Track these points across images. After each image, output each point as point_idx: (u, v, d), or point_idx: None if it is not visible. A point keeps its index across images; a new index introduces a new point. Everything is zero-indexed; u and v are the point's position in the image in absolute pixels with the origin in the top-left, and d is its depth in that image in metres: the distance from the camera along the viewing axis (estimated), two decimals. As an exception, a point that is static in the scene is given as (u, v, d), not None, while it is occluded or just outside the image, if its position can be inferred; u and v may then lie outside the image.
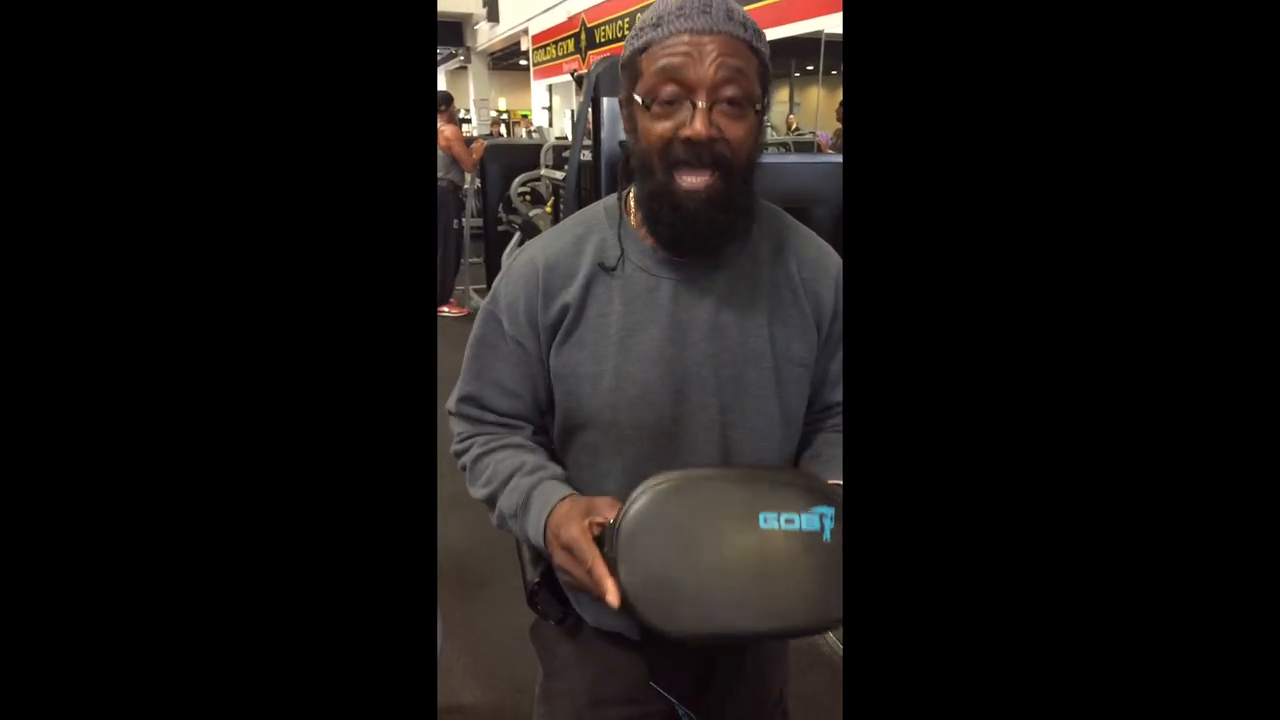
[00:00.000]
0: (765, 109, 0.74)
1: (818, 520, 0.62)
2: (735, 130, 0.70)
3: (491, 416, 0.84)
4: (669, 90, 0.69)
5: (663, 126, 0.70)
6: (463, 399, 0.84)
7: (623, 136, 0.78)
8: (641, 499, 0.64)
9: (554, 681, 0.94)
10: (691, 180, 0.70)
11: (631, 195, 0.79)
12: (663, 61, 0.69)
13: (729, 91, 0.69)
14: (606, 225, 0.80)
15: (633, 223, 0.79)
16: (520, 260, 0.81)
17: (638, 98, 0.72)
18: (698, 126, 0.68)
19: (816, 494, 0.64)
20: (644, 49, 0.71)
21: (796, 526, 0.62)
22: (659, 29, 0.70)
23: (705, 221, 0.72)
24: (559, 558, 0.71)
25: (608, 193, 0.88)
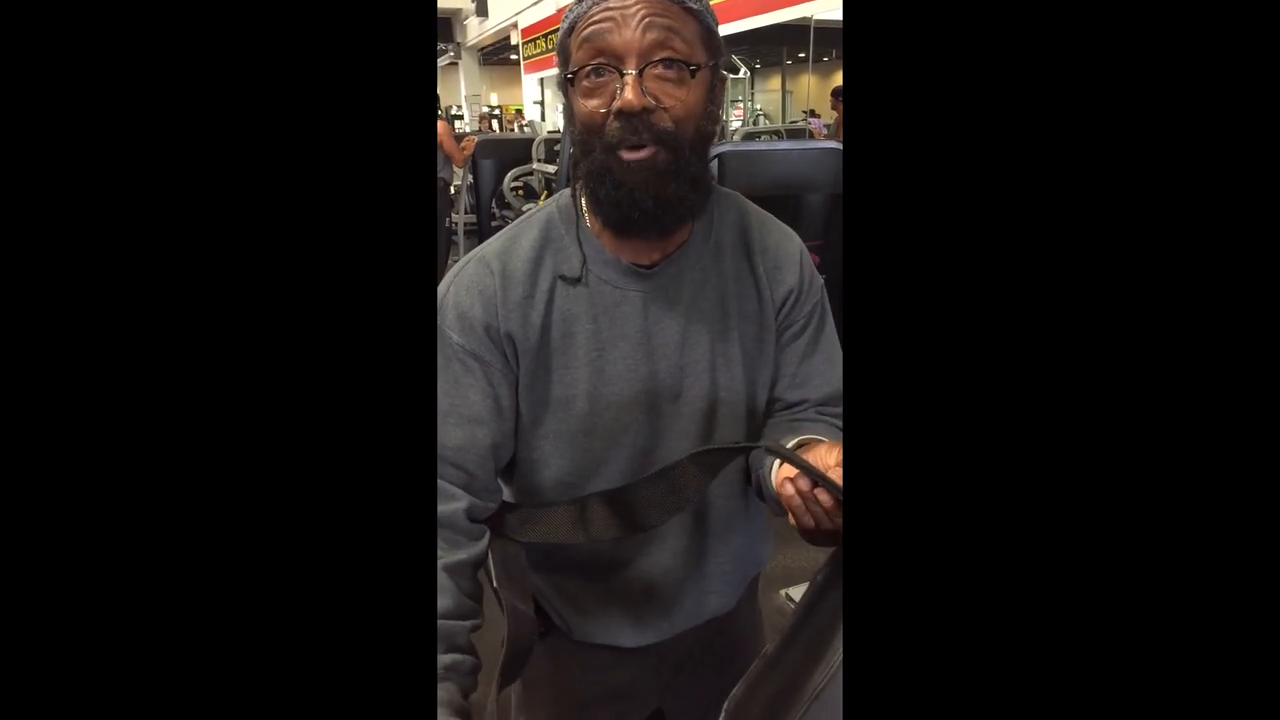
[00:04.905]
0: (718, 73, 0.67)
1: None
2: (675, 97, 0.63)
3: (449, 453, 0.70)
4: (596, 61, 0.62)
5: (594, 103, 0.63)
6: None
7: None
8: None
9: (534, 690, 0.90)
10: (632, 155, 0.63)
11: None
12: (586, 32, 0.62)
13: (662, 53, 0.61)
14: (563, 230, 0.72)
15: (591, 227, 0.72)
16: (470, 269, 0.72)
17: (569, 76, 0.65)
18: (629, 96, 0.61)
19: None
20: (571, 29, 0.65)
21: None
22: (583, 3, 0.64)
23: (651, 195, 0.64)
24: None
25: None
